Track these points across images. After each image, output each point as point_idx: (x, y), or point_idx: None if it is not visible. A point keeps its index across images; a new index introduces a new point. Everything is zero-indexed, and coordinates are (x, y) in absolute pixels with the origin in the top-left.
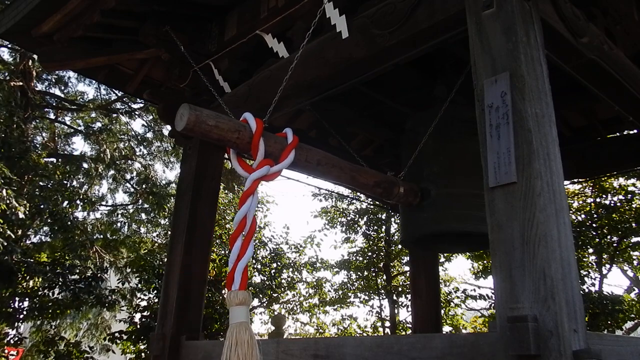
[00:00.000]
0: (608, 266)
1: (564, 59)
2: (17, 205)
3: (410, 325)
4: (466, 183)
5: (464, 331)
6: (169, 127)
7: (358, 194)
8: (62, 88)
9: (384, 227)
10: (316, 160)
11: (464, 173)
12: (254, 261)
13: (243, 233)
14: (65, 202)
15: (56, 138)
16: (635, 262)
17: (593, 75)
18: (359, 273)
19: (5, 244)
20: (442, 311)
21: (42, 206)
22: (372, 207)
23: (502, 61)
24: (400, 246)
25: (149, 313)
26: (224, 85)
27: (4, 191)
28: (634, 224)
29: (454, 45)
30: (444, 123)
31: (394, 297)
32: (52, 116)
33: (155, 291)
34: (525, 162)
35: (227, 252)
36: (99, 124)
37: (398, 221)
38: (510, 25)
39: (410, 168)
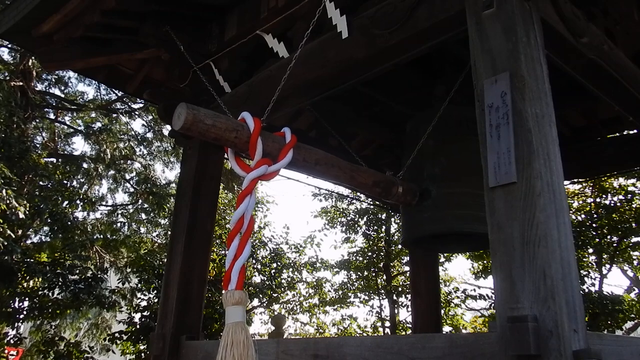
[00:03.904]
0: (608, 266)
1: (564, 59)
2: (17, 205)
3: (410, 325)
4: (467, 183)
5: (464, 331)
6: (169, 127)
7: (358, 194)
8: (62, 88)
9: (384, 227)
10: (314, 159)
11: (465, 173)
12: (253, 261)
13: (240, 233)
14: (65, 202)
15: (56, 138)
16: (635, 262)
17: (593, 75)
18: (359, 273)
19: (6, 244)
20: (442, 311)
21: (42, 206)
22: (372, 207)
23: (502, 61)
24: (400, 246)
25: (149, 313)
26: (224, 85)
27: (4, 191)
28: (634, 224)
29: (454, 45)
30: (445, 123)
31: (394, 297)
32: (52, 116)
33: (155, 291)
34: (525, 162)
35: (226, 251)
36: (99, 124)
37: (398, 221)
38: (510, 25)
39: (411, 168)
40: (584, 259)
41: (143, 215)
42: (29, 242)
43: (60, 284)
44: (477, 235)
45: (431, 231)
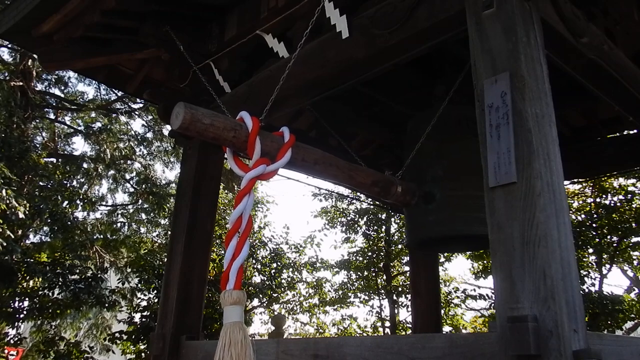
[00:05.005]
0: (608, 266)
1: (564, 59)
2: (17, 205)
3: (410, 325)
4: (471, 185)
5: (464, 331)
6: (169, 127)
7: (358, 194)
8: (62, 88)
9: (384, 227)
10: (313, 159)
11: (468, 174)
12: (253, 261)
13: (239, 232)
14: (65, 202)
15: (56, 138)
16: (635, 262)
17: (593, 75)
18: (359, 273)
19: (5, 244)
20: (442, 311)
21: (42, 206)
22: (372, 207)
23: (502, 61)
24: (400, 246)
25: (149, 313)
26: (224, 85)
27: (4, 191)
28: (634, 224)
29: (454, 45)
30: (446, 124)
31: (394, 297)
32: (52, 116)
33: (155, 291)
34: (525, 162)
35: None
36: (99, 124)
37: (398, 221)
38: (510, 25)
39: (414, 170)
40: (584, 259)
41: (143, 215)
42: (29, 242)
43: (60, 284)
44: (480, 236)
45: (437, 234)
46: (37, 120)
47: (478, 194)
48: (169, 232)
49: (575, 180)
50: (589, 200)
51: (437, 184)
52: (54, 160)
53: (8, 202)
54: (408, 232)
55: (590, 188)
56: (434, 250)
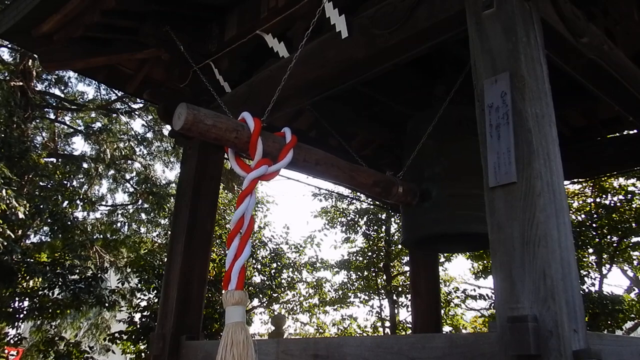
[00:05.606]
0: (608, 266)
1: (564, 59)
2: (17, 205)
3: (410, 325)
4: (467, 183)
5: (464, 331)
6: (169, 127)
7: (358, 194)
8: (62, 88)
9: (384, 227)
10: (315, 159)
11: (465, 173)
12: (253, 261)
13: (240, 233)
14: (65, 202)
15: (56, 138)
16: (635, 262)
17: (593, 75)
18: (359, 273)
19: (5, 244)
20: (442, 311)
21: (42, 206)
22: (372, 207)
23: (502, 61)
24: (400, 246)
25: (149, 313)
26: (224, 85)
27: (4, 191)
28: (634, 224)
29: (454, 45)
30: (445, 123)
31: (394, 297)
32: (52, 116)
33: (155, 291)
34: (525, 162)
35: (226, 251)
36: (99, 124)
37: (398, 221)
38: (510, 25)
39: (411, 169)
40: (584, 259)
41: (143, 215)
42: (29, 242)
43: (60, 284)
44: (478, 235)
45: (432, 232)
46: (37, 120)
47: (474, 192)
48: (169, 232)
49: (575, 180)
50: (589, 200)
51: (436, 182)
52: (54, 160)
53: (8, 202)
54: (403, 230)
55: (590, 188)
56: (431, 249)
